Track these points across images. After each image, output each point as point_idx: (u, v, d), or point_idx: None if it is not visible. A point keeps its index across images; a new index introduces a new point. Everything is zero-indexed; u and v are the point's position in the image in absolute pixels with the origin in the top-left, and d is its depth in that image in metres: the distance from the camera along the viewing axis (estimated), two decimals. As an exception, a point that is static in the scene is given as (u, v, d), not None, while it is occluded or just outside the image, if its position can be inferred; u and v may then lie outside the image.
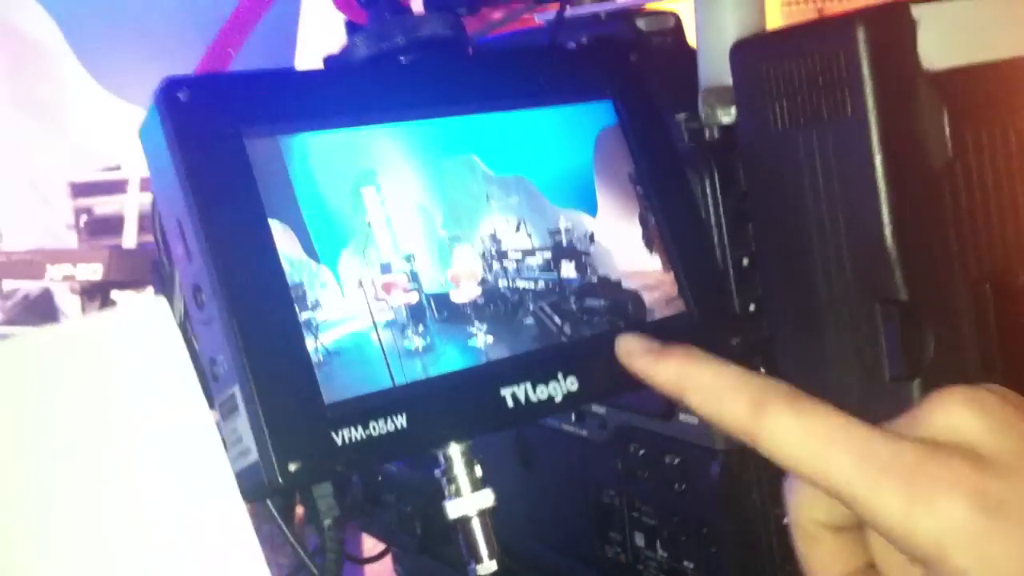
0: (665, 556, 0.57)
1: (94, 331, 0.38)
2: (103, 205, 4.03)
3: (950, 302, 0.46)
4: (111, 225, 4.01)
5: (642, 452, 0.56)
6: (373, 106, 0.43)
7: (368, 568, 0.96)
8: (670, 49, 0.62)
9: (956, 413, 0.34)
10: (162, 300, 0.38)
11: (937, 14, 0.46)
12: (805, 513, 0.39)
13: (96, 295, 3.23)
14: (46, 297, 3.79)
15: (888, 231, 0.45)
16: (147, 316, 0.38)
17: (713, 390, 0.38)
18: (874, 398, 0.46)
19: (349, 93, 0.43)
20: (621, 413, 0.57)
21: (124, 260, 3.26)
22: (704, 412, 0.38)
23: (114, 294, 3.30)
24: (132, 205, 4.00)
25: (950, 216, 0.46)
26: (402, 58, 0.45)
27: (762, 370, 0.51)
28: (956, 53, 0.47)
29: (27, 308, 3.65)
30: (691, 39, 0.62)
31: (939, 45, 0.46)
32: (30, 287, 3.63)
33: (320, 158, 0.42)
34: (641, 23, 0.61)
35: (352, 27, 0.60)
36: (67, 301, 3.70)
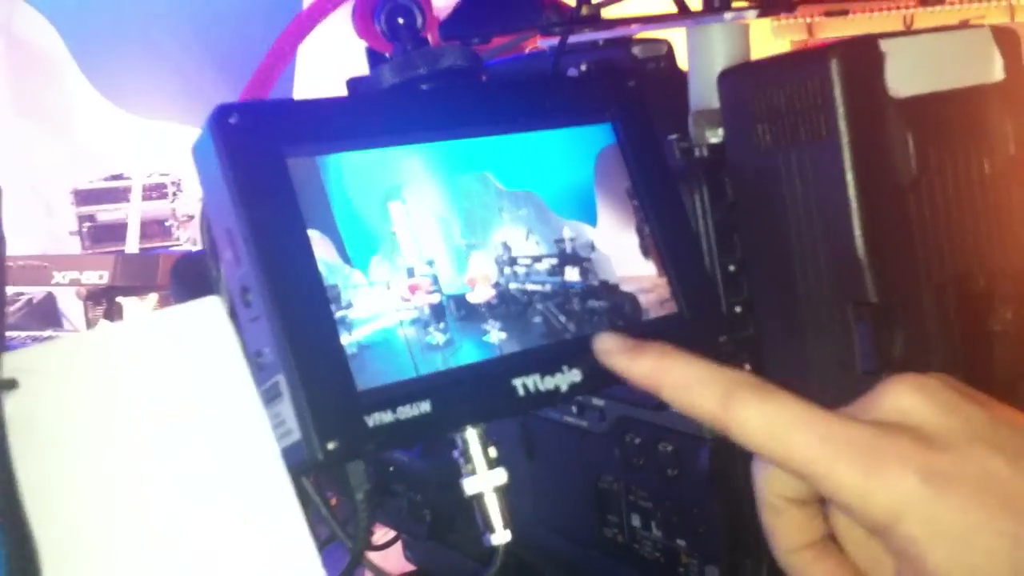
0: (659, 535, 0.62)
1: (156, 327, 0.43)
2: (106, 212, 4.08)
3: (917, 304, 0.52)
4: (113, 232, 4.06)
5: (638, 441, 0.62)
6: (399, 129, 0.48)
7: (379, 554, 1.01)
8: (663, 74, 0.68)
9: (904, 397, 0.40)
10: (217, 299, 0.43)
11: (903, 47, 0.52)
12: (771, 488, 0.43)
13: (101, 300, 3.28)
14: (49, 301, 3.84)
15: (859, 240, 0.51)
16: (204, 313, 0.43)
17: (685, 384, 0.42)
18: (848, 390, 0.51)
19: (377, 117, 0.48)
20: (619, 405, 0.62)
21: (129, 266, 3.31)
22: (678, 404, 0.43)
23: (119, 299, 3.35)
24: (135, 212, 4.05)
25: (916, 227, 0.52)
26: (424, 86, 0.50)
27: (747, 366, 0.56)
28: (920, 82, 0.52)
29: (31, 312, 3.70)
30: (682, 64, 0.68)
31: (905, 75, 0.52)
32: (33, 291, 3.69)
33: (352, 175, 0.47)
34: (636, 50, 0.67)
35: (372, 54, 0.66)
36: (70, 306, 3.75)
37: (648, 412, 0.61)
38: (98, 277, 3.08)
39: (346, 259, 0.46)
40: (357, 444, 0.43)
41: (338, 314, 0.45)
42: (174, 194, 4.13)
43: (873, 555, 0.42)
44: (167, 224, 4.09)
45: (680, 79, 0.67)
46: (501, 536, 0.48)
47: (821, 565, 0.43)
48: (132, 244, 4.05)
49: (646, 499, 0.62)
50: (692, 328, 0.53)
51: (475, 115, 0.51)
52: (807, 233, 0.53)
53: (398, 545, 0.91)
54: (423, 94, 0.51)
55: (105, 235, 4.13)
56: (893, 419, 0.39)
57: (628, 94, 0.55)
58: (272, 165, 0.45)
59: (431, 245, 0.48)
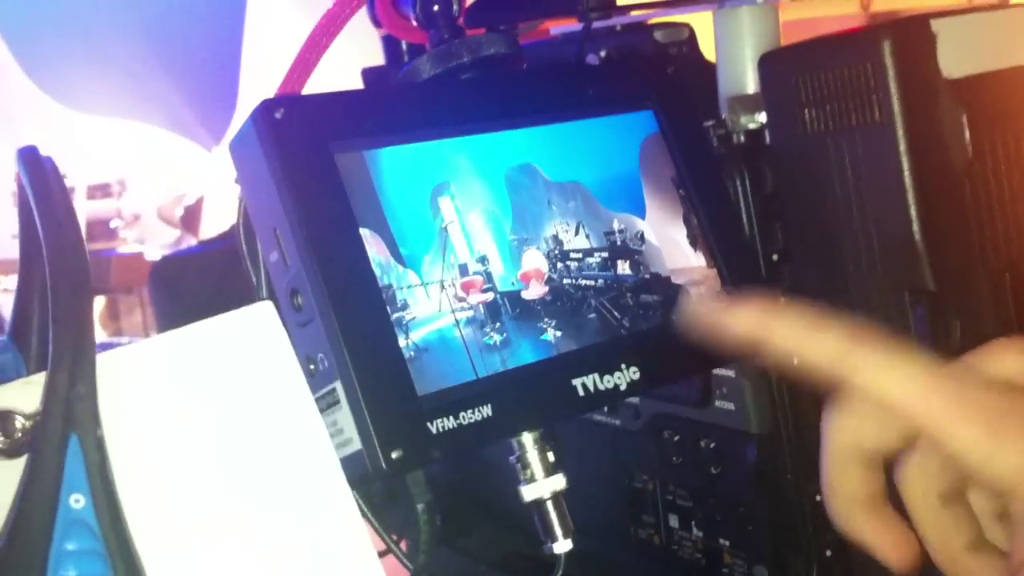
0: (700, 535, 0.60)
1: (206, 336, 0.40)
2: (50, 214, 3.98)
3: (973, 291, 0.50)
4: (58, 234, 3.96)
5: (676, 438, 0.60)
6: (444, 121, 0.46)
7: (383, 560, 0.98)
8: (685, 59, 0.66)
9: (1017, 360, 0.38)
10: (269, 304, 0.41)
11: (954, 26, 0.50)
12: (849, 437, 0.40)
13: (51, 305, 3.19)
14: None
15: (916, 227, 0.49)
16: (256, 320, 0.41)
17: (801, 326, 0.39)
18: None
19: (422, 109, 0.46)
20: (655, 403, 0.60)
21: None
22: (793, 346, 0.39)
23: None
24: (79, 213, 3.96)
25: (971, 212, 0.50)
26: (465, 75, 0.48)
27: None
28: (972, 62, 0.51)
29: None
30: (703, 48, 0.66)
31: (957, 55, 0.50)
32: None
33: (400, 170, 0.44)
34: (658, 35, 0.65)
35: (390, 44, 0.63)
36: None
37: (687, 409, 0.59)
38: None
39: (398, 258, 0.44)
40: (421, 452, 0.41)
41: (394, 316, 0.42)
42: (119, 193, 4.05)
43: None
44: (112, 225, 4.01)
45: (703, 64, 0.65)
46: (563, 545, 0.46)
47: (879, 517, 0.41)
48: (79, 246, 3.95)
49: (685, 498, 0.60)
50: (744, 321, 0.51)
51: (518, 105, 0.49)
52: (859, 220, 0.51)
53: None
54: (465, 84, 0.48)
55: (50, 237, 4.02)
56: (1011, 380, 0.37)
57: (668, 80, 0.53)
58: (321, 161, 0.42)
59: (483, 241, 0.46)
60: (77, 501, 0.34)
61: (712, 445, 0.58)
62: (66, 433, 0.34)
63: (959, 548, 0.40)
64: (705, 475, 0.59)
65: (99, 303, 3.64)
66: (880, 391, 0.37)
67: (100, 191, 4.06)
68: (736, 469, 0.57)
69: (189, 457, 0.39)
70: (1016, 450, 0.36)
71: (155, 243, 3.94)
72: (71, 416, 0.34)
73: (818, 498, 0.56)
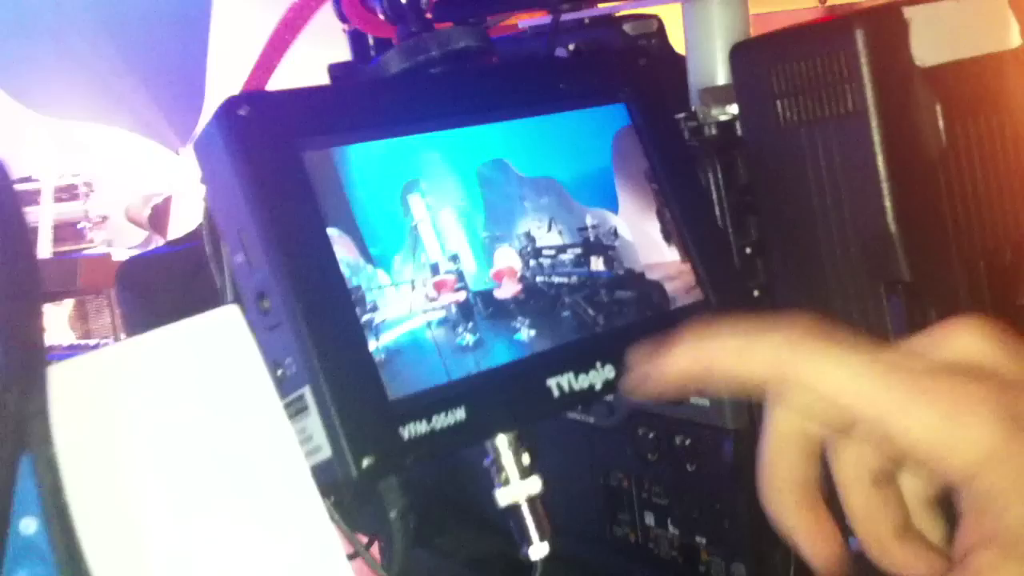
0: (676, 533, 0.59)
1: (173, 340, 0.39)
2: (15, 216, 3.93)
3: (948, 280, 0.50)
4: (24, 236, 3.91)
5: (652, 435, 0.59)
6: (413, 116, 0.45)
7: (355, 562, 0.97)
8: (655, 51, 0.65)
9: (973, 340, 0.36)
10: (235, 308, 0.40)
11: (927, 14, 0.50)
12: (793, 424, 0.39)
13: (18, 308, 3.15)
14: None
15: (890, 217, 0.49)
16: (222, 323, 0.40)
17: (733, 353, 0.38)
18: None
19: (391, 105, 0.45)
20: (628, 399, 0.60)
21: (45, 271, 3.20)
22: (732, 377, 0.38)
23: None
24: (46, 215, 3.92)
25: (946, 201, 0.50)
26: (434, 69, 0.47)
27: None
28: (943, 51, 0.50)
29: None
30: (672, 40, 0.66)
31: (929, 43, 0.50)
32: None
33: (369, 167, 0.43)
34: (627, 27, 0.64)
35: (356, 38, 0.62)
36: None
37: (661, 405, 0.58)
38: (14, 284, 2.96)
39: (368, 258, 0.43)
40: (393, 459, 0.40)
41: (364, 318, 0.41)
42: (86, 195, 4.00)
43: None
44: (80, 226, 3.96)
45: (672, 56, 0.65)
46: (539, 549, 0.45)
47: (810, 509, 0.40)
48: (44, 248, 3.92)
49: (661, 495, 0.60)
50: (718, 315, 0.50)
51: (489, 99, 0.48)
52: (833, 212, 0.51)
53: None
54: (435, 78, 0.47)
55: (16, 240, 3.97)
56: (965, 361, 0.36)
57: (640, 73, 0.52)
58: (287, 159, 0.41)
59: (454, 239, 0.45)
60: (28, 526, 0.32)
61: (688, 442, 0.57)
62: (16, 453, 0.32)
63: (887, 533, 0.39)
64: (681, 472, 0.58)
65: (68, 306, 3.60)
66: (822, 386, 0.36)
67: (67, 193, 4.01)
68: (712, 466, 0.57)
69: (152, 469, 0.38)
70: (968, 438, 0.34)
71: (123, 244, 3.90)
72: (22, 434, 0.33)
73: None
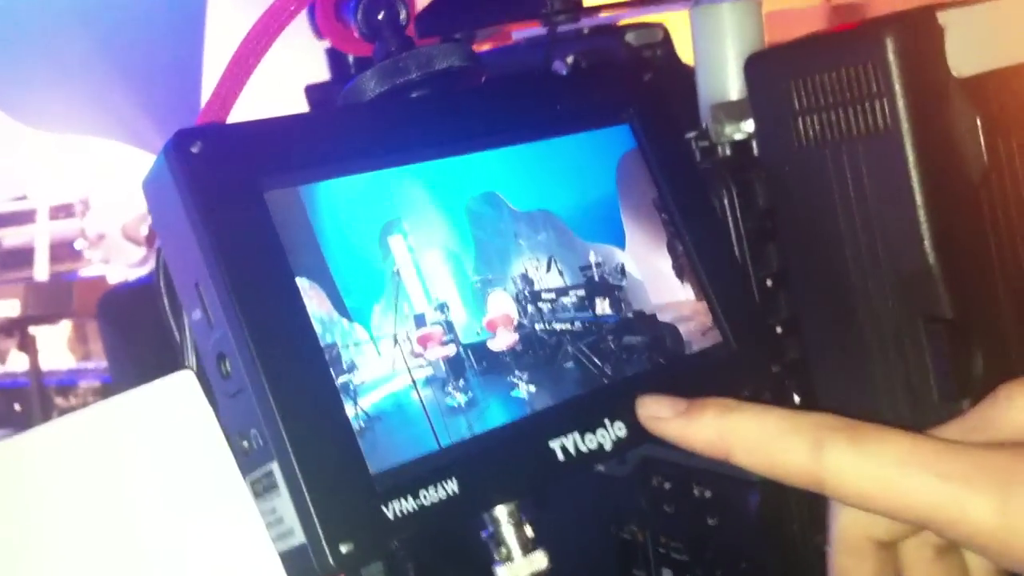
0: (697, 592, 0.54)
1: (120, 412, 0.34)
2: (11, 236, 3.90)
3: (995, 316, 0.45)
4: (21, 256, 3.88)
5: (667, 486, 0.54)
6: (392, 147, 0.40)
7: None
8: (660, 63, 0.60)
9: None
10: (189, 374, 0.35)
11: (963, 19, 0.45)
12: (860, 530, 0.37)
13: (14, 332, 3.12)
14: (-42, 335, 3.66)
15: (929, 246, 0.44)
16: (175, 391, 0.34)
17: (762, 441, 0.36)
18: (923, 420, 0.44)
19: (365, 134, 0.40)
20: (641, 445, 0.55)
21: (40, 294, 3.16)
22: (757, 467, 0.36)
23: (31, 329, 3.20)
24: (42, 235, 3.87)
25: (990, 228, 0.45)
26: (415, 92, 0.42)
27: (796, 398, 0.49)
28: (984, 58, 0.45)
29: (-62, 348, 3.52)
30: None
31: (967, 51, 0.45)
32: (-60, 326, 3.51)
33: (343, 207, 0.38)
34: (630, 37, 0.59)
35: (335, 57, 0.57)
36: (-22, 338, 3.58)
37: (678, 452, 0.53)
38: (9, 308, 2.92)
39: (343, 311, 0.37)
40: (376, 543, 0.35)
41: (340, 380, 0.36)
42: (82, 213, 3.96)
43: None
44: (77, 246, 3.92)
45: (680, 68, 0.59)
46: (546, 636, 0.40)
47: None
48: (42, 269, 3.88)
49: (680, 551, 0.55)
50: (741, 358, 0.45)
51: (477, 125, 0.43)
52: (864, 240, 0.46)
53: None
54: (416, 103, 0.42)
55: (12, 261, 3.94)
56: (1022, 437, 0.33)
57: (645, 89, 0.47)
58: (248, 200, 0.36)
59: (442, 286, 0.40)
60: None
61: (708, 493, 0.52)
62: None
63: None
64: (701, 526, 0.53)
65: (66, 328, 3.56)
66: (858, 498, 0.34)
67: (63, 211, 3.96)
68: (736, 520, 0.51)
69: (104, 553, 0.33)
70: None
71: (121, 262, 3.86)
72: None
73: (828, 549, 0.51)
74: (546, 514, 0.62)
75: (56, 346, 3.44)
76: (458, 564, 0.73)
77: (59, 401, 2.74)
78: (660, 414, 0.38)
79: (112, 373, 0.99)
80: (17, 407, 2.86)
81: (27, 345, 3.00)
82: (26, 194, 4.03)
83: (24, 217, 3.96)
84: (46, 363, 2.90)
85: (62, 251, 3.95)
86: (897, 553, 0.38)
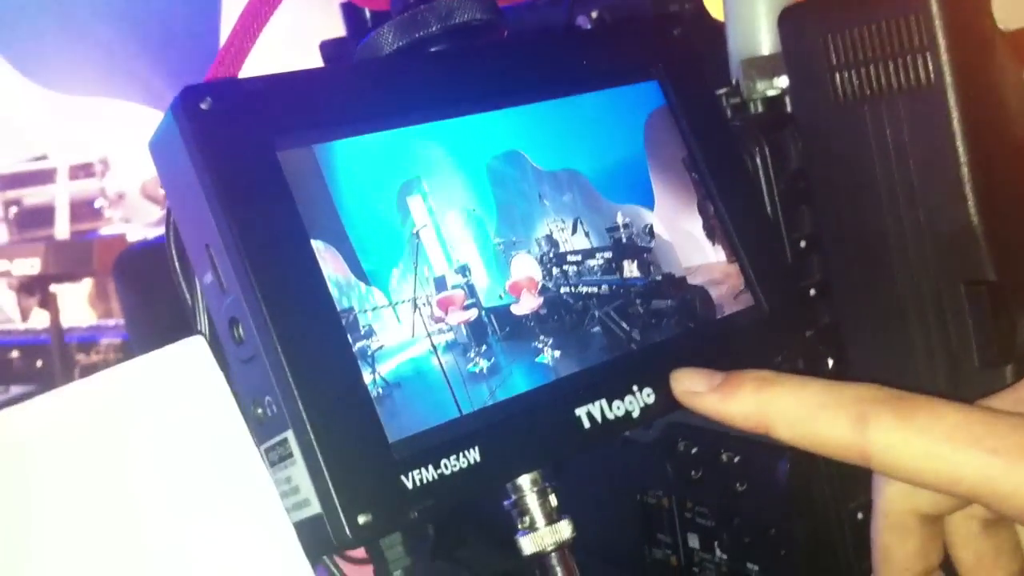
0: (725, 558, 0.53)
1: (131, 378, 0.33)
2: (32, 196, 3.91)
3: (1040, 280, 0.43)
4: (42, 216, 3.89)
5: (694, 451, 0.53)
6: (410, 104, 0.38)
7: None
8: (689, 17, 0.58)
9: None
10: (200, 340, 0.33)
11: (1011, -32, 0.43)
12: (907, 504, 0.36)
13: (35, 290, 3.14)
14: (-19, 292, 3.68)
15: (972, 207, 0.42)
16: (186, 357, 0.33)
17: (802, 414, 0.34)
18: (962, 387, 0.43)
19: (383, 91, 0.38)
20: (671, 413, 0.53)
21: (60, 253, 3.17)
22: (799, 441, 0.35)
23: (53, 288, 3.21)
24: (62, 194, 3.88)
25: (1036, 188, 0.43)
26: (434, 48, 0.40)
27: (830, 362, 0.48)
28: (1030, 10, 0.43)
29: (-39, 306, 3.54)
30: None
31: (1014, 2, 0.43)
32: (-37, 284, 3.53)
33: (359, 167, 0.37)
34: (657, -11, 0.57)
35: (350, 12, 0.55)
36: (4, 297, 3.60)
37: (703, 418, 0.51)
38: (29, 267, 2.93)
39: (360, 275, 0.36)
40: (395, 514, 0.34)
41: (357, 346, 0.35)
42: (102, 173, 3.96)
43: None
44: (97, 205, 3.92)
45: (709, 23, 0.57)
46: (570, 605, 0.39)
47: None
48: (62, 228, 3.89)
49: (706, 516, 0.53)
50: (773, 323, 0.43)
51: (499, 81, 0.41)
52: (903, 200, 0.44)
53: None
54: (435, 58, 0.40)
55: (33, 220, 3.96)
56: None
57: (675, 44, 0.45)
58: (260, 160, 0.35)
59: (463, 248, 0.38)
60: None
61: (736, 459, 0.51)
62: None
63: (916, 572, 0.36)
64: (729, 492, 0.51)
65: (87, 285, 3.57)
66: (905, 472, 0.32)
67: (83, 171, 3.96)
68: (765, 486, 0.50)
69: (112, 523, 0.31)
70: None
71: (141, 221, 3.85)
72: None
73: (860, 516, 0.49)
74: (570, 478, 0.61)
75: (77, 304, 3.46)
76: (478, 526, 0.72)
77: (80, 358, 2.76)
78: (695, 388, 0.37)
79: (129, 332, 0.98)
80: (39, 363, 2.88)
81: (48, 303, 3.01)
82: (46, 154, 4.03)
83: (44, 177, 3.96)
84: (67, 320, 2.92)
85: (82, 210, 3.96)
86: (943, 528, 0.36)
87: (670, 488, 0.55)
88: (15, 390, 2.98)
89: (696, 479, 0.53)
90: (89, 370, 2.57)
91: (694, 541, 0.54)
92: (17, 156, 4.00)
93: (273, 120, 0.35)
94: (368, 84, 0.38)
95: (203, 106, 0.34)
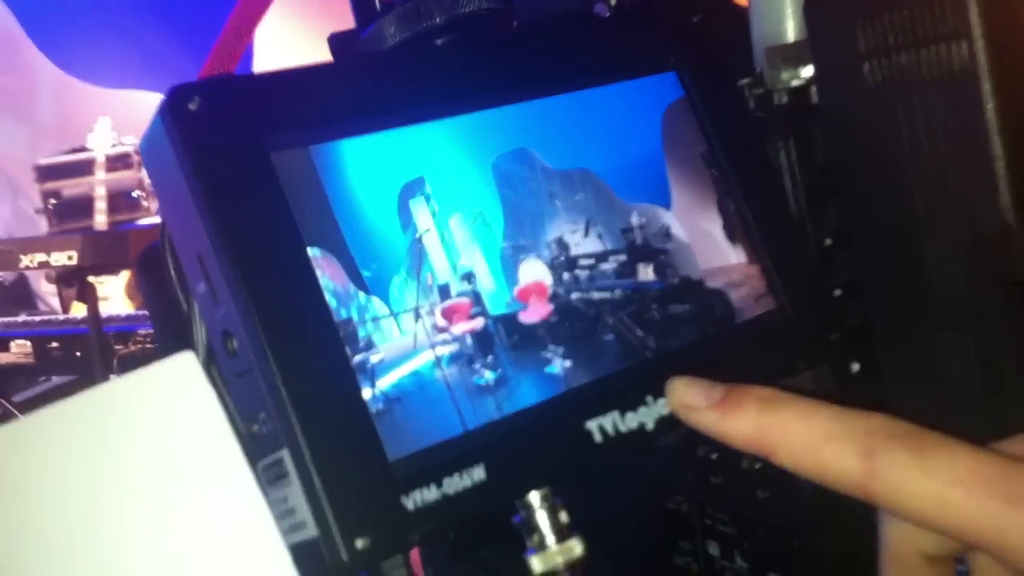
0: (746, 568, 0.51)
1: (118, 396, 0.31)
2: (71, 187, 3.94)
3: (1083, 281, 0.41)
4: (80, 207, 3.92)
5: (715, 456, 0.51)
6: (413, 101, 0.37)
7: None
8: (711, 3, 0.56)
9: None
10: (190, 356, 0.32)
11: (1051, -51, 0.40)
12: (912, 545, 0.34)
13: (72, 281, 3.16)
14: (22, 283, 3.72)
15: (1008, 203, 0.39)
16: (176, 373, 0.32)
17: (807, 443, 0.32)
18: (999, 393, 0.41)
19: (384, 87, 0.36)
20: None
21: (97, 244, 3.19)
22: (801, 470, 0.33)
23: (91, 279, 3.23)
24: (100, 186, 3.90)
25: (1078, 183, 0.40)
26: (439, 40, 0.38)
27: (856, 366, 0.45)
28: (1073, -7, 0.40)
29: (3, 296, 3.58)
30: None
31: (1055, -16, 0.40)
32: (5, 274, 3.56)
33: (358, 168, 0.35)
34: (679, -25, 0.55)
35: (359, 2, 0.54)
36: (44, 286, 3.64)
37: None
38: (67, 258, 2.95)
39: (360, 283, 0.34)
40: (395, 537, 0.32)
41: (356, 359, 0.33)
42: (139, 164, 3.98)
43: None
44: (135, 195, 3.94)
45: (733, 9, 0.55)
46: (583, 625, 0.37)
47: None
48: (100, 219, 3.91)
49: (727, 524, 0.51)
50: (797, 327, 0.41)
51: (507, 75, 0.39)
52: (936, 197, 0.41)
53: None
54: (440, 51, 0.39)
55: (72, 211, 3.99)
56: None
57: (694, 32, 0.43)
58: (253, 163, 0.33)
59: (468, 253, 0.36)
60: None
61: (757, 465, 0.49)
62: None
63: None
64: (751, 499, 0.49)
65: (124, 277, 3.59)
66: (911, 513, 0.30)
67: (120, 162, 3.99)
68: (788, 494, 0.48)
69: (101, 541, 0.30)
70: None
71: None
72: None
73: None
74: (595, 482, 0.59)
75: (115, 294, 3.48)
76: (498, 526, 0.70)
77: (118, 348, 2.78)
78: (693, 402, 0.35)
79: (154, 328, 0.97)
80: (78, 354, 2.90)
81: (86, 294, 3.03)
82: (84, 145, 4.06)
83: (83, 168, 3.99)
84: (105, 311, 2.94)
85: (120, 201, 3.99)
86: (953, 567, 0.34)
87: (690, 493, 0.53)
88: (56, 380, 3.01)
89: (718, 485, 0.51)
90: (127, 360, 2.59)
91: (715, 549, 0.53)
92: (59, 149, 4.04)
93: (266, 120, 0.34)
94: (367, 80, 0.36)
95: (191, 106, 0.33)
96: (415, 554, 0.84)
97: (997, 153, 0.39)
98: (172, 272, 0.37)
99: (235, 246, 0.32)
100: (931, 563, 0.34)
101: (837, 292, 0.46)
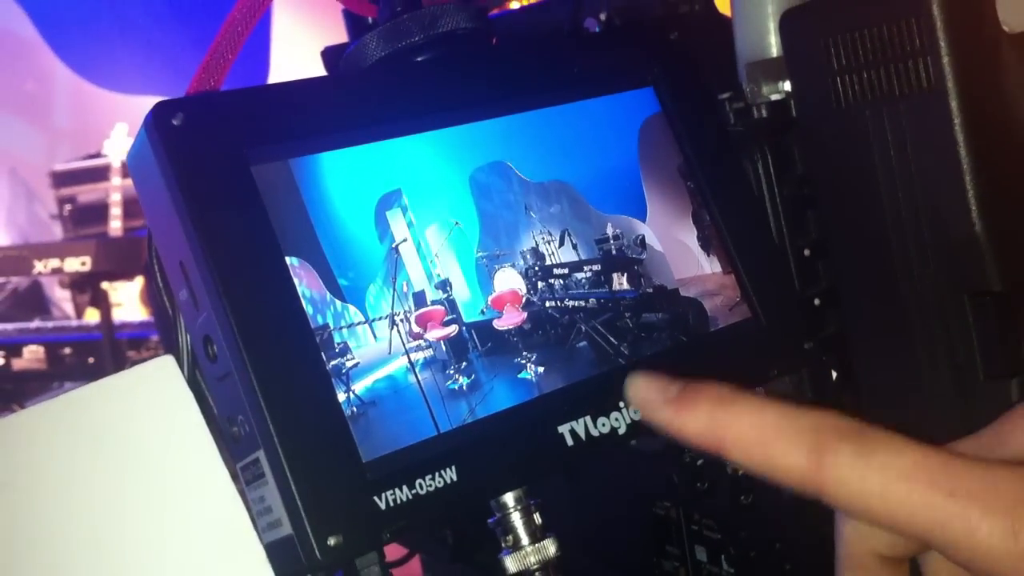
0: (732, 572, 0.52)
1: (98, 398, 0.33)
2: (86, 193, 3.97)
3: (1048, 291, 0.41)
4: (95, 213, 3.94)
5: (700, 462, 0.52)
6: (392, 115, 0.38)
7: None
8: (698, 19, 0.57)
9: None
10: (169, 359, 0.33)
11: (1017, -33, 0.41)
12: (865, 545, 0.34)
13: (86, 287, 3.18)
14: (35, 289, 3.74)
15: (976, 215, 0.40)
16: (156, 377, 0.33)
17: (757, 439, 0.32)
18: (968, 399, 0.42)
19: (364, 102, 0.38)
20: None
21: (111, 250, 3.21)
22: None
23: (104, 285, 3.25)
24: (116, 192, 3.93)
25: (1043, 194, 0.41)
26: (420, 57, 0.40)
27: (834, 374, 0.46)
28: (1039, 10, 0.41)
29: (17, 302, 3.60)
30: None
31: (1019, 3, 0.41)
32: (19, 280, 3.58)
33: (336, 180, 0.36)
34: (666, -10, 0.56)
35: (352, 19, 0.55)
36: (58, 292, 3.66)
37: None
38: (80, 263, 2.97)
39: (336, 291, 0.35)
40: (367, 535, 0.33)
41: (331, 364, 0.34)
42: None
43: None
44: (151, 201, 3.97)
45: (720, 25, 0.56)
46: (556, 624, 0.38)
47: None
48: (116, 225, 3.94)
49: (713, 529, 0.52)
50: (771, 335, 0.42)
51: (486, 90, 0.40)
52: (907, 208, 0.42)
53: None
54: (420, 67, 0.40)
55: (87, 217, 4.01)
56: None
57: (671, 50, 0.44)
58: (233, 176, 0.34)
59: (444, 262, 0.38)
60: None
61: (740, 471, 0.50)
62: None
63: None
64: (735, 505, 0.50)
65: (138, 283, 3.62)
66: (858, 509, 0.30)
67: (136, 168, 4.00)
68: (771, 499, 0.49)
69: (80, 540, 0.31)
70: None
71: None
72: None
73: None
74: (587, 485, 0.60)
75: (129, 301, 3.51)
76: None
77: (131, 354, 2.79)
78: (649, 397, 0.35)
79: (159, 333, 0.99)
80: (91, 360, 2.92)
81: (100, 300, 3.06)
82: (101, 151, 4.09)
83: (98, 174, 4.02)
84: (119, 317, 2.96)
85: (136, 207, 4.01)
86: (906, 571, 0.35)
87: (677, 499, 0.54)
88: (68, 386, 3.02)
89: (703, 491, 0.52)
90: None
91: (702, 554, 0.54)
92: (76, 155, 4.07)
93: (247, 134, 0.35)
94: (347, 96, 0.38)
95: (175, 122, 0.34)
96: (415, 560, 0.85)
97: (965, 166, 0.40)
98: (158, 279, 0.38)
99: (215, 255, 0.33)
100: (885, 564, 0.34)
101: (816, 301, 0.47)
